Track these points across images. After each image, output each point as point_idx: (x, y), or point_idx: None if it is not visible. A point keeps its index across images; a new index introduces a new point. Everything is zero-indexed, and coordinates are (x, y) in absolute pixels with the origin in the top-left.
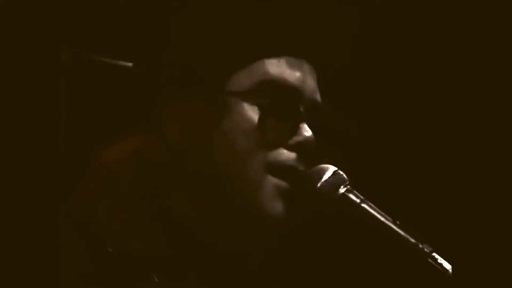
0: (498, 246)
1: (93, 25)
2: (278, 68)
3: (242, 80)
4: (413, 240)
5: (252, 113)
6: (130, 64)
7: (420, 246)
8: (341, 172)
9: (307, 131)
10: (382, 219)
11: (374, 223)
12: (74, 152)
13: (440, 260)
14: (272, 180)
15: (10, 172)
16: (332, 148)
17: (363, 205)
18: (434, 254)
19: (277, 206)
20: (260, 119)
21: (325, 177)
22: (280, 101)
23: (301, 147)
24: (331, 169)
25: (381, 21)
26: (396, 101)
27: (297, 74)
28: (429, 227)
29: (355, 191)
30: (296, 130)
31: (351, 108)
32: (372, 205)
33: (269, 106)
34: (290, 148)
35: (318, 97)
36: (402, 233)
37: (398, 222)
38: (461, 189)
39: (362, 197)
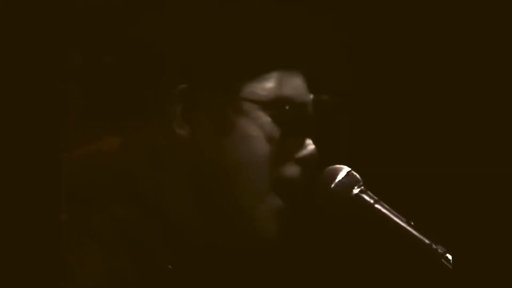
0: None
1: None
2: (291, 83)
3: (258, 90)
4: (427, 241)
5: (267, 124)
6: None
7: (434, 246)
8: (355, 173)
9: (311, 145)
10: (396, 219)
11: (388, 224)
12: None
13: None
14: (274, 199)
15: (13, 172)
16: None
17: (377, 205)
18: (447, 255)
19: (272, 227)
20: (272, 132)
21: (339, 178)
22: (291, 116)
23: (305, 161)
24: (345, 169)
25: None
26: (409, 101)
27: (303, 89)
28: (443, 228)
29: (369, 192)
30: (302, 144)
31: (364, 108)
32: (386, 206)
33: (282, 120)
34: (296, 163)
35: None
36: (416, 233)
37: (412, 223)
38: (475, 189)
39: (376, 197)
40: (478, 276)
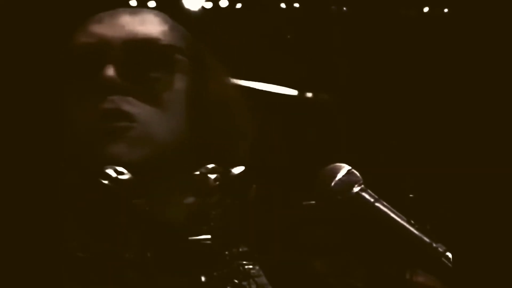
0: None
1: None
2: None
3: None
4: (427, 240)
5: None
6: None
7: (434, 245)
8: (355, 171)
9: (106, 70)
10: (396, 218)
11: (388, 222)
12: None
13: None
14: (97, 125)
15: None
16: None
17: (377, 204)
18: (448, 253)
19: (113, 148)
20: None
21: (339, 176)
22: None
23: (102, 86)
24: (345, 168)
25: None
26: (410, 101)
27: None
28: (443, 226)
29: (369, 190)
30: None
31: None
32: (387, 204)
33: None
34: (96, 92)
35: (140, 33)
36: (416, 232)
37: (412, 221)
38: (476, 188)
39: (376, 196)
40: (479, 275)
